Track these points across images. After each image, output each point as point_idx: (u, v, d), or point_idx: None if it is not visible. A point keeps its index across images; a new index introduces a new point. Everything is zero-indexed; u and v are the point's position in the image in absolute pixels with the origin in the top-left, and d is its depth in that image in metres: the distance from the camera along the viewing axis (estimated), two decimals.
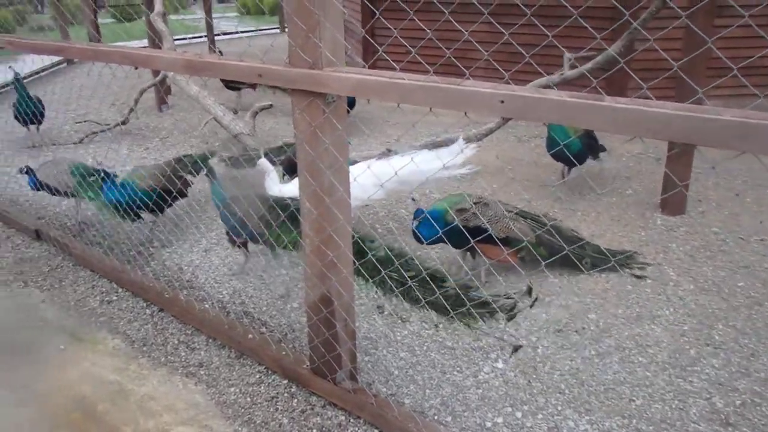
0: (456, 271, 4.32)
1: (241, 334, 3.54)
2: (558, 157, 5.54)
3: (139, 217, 4.70)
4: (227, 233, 4.28)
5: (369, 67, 2.49)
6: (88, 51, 3.65)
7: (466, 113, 2.20)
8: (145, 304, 4.08)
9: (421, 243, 3.97)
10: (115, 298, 4.19)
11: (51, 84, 11.36)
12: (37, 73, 12.26)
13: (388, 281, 3.70)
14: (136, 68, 4.19)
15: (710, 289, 4.08)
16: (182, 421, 3.06)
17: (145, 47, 9.00)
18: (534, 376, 3.28)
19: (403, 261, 3.79)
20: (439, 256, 4.50)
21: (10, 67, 7.80)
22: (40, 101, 7.69)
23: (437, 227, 3.74)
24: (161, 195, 4.65)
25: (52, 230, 4.98)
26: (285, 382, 3.29)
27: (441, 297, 3.72)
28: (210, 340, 3.67)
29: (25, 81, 7.87)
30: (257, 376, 3.35)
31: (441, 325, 3.73)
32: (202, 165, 4.95)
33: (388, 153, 5.82)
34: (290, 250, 3.99)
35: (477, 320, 3.74)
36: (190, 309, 3.80)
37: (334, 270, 2.80)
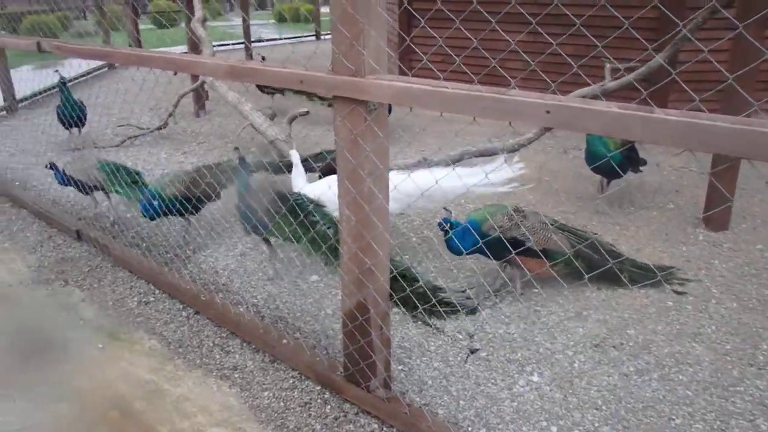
0: (491, 281, 4.28)
1: (276, 339, 3.55)
2: (597, 169, 5.46)
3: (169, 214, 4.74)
4: (241, 222, 4.41)
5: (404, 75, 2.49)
6: (133, 56, 3.71)
7: (510, 123, 2.18)
8: (181, 306, 4.12)
9: (460, 254, 3.95)
10: (152, 299, 4.24)
11: (94, 88, 11.60)
12: (81, 76, 12.54)
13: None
14: (175, 73, 4.27)
15: (755, 307, 3.98)
16: (216, 423, 3.08)
17: (185, 53, 9.16)
18: (570, 391, 3.23)
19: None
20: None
21: (56, 71, 7.98)
22: (82, 105, 7.86)
23: (477, 238, 3.71)
24: (184, 201, 4.68)
25: (93, 231, 5.07)
26: (318, 388, 3.29)
27: (411, 294, 3.78)
28: (245, 344, 3.69)
29: (68, 84, 8.04)
30: (291, 381, 3.36)
31: (476, 336, 3.70)
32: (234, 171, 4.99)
33: (424, 162, 5.81)
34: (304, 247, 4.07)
35: (441, 317, 3.89)
36: (225, 312, 3.82)
37: (371, 278, 2.80)
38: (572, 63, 2.29)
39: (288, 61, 2.88)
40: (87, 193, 5.42)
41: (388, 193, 2.74)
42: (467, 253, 3.92)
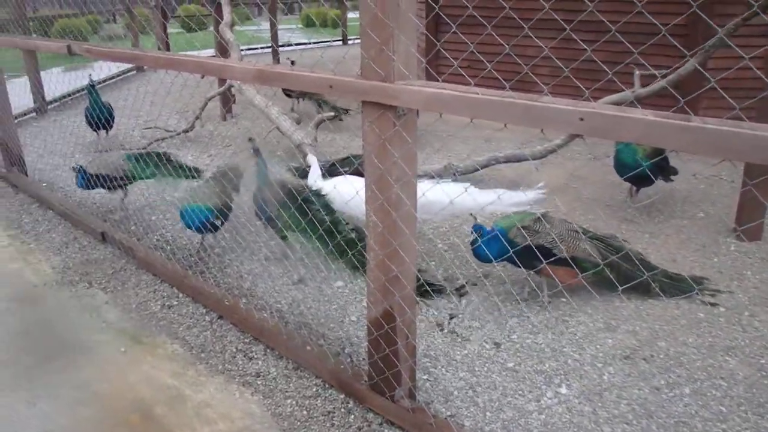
0: (519, 290, 4.22)
1: (300, 346, 3.52)
2: (626, 177, 5.36)
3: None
4: (256, 212, 4.59)
5: (431, 81, 2.45)
6: (162, 59, 3.71)
7: (542, 130, 2.12)
8: (204, 311, 4.10)
9: (487, 261, 3.89)
10: (175, 303, 4.23)
11: (122, 91, 11.72)
12: (110, 79, 12.68)
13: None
14: (203, 77, 4.32)
15: None
16: (237, 430, 3.05)
17: (212, 56, 9.20)
18: (600, 404, 3.15)
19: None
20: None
21: (89, 75, 8.07)
22: (110, 107, 7.92)
23: (505, 245, 3.65)
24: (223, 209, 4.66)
25: (117, 233, 5.09)
26: (342, 396, 3.25)
27: None
28: (268, 350, 3.66)
29: (97, 87, 8.11)
30: (314, 389, 3.32)
31: (502, 345, 3.64)
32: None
33: (450, 167, 5.77)
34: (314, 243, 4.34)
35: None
36: (249, 317, 3.80)
37: (398, 285, 2.75)
38: (607, 70, 2.23)
39: (317, 65, 2.86)
40: (114, 189, 5.53)
41: (416, 199, 2.70)
42: (496, 261, 3.86)
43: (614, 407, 3.13)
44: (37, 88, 9.99)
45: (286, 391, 3.31)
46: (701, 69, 2.59)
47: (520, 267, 3.93)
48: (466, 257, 4.50)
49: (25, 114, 9.85)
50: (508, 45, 2.28)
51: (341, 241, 4.18)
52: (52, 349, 3.75)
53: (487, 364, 3.48)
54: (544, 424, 3.02)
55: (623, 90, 5.79)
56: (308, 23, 26.43)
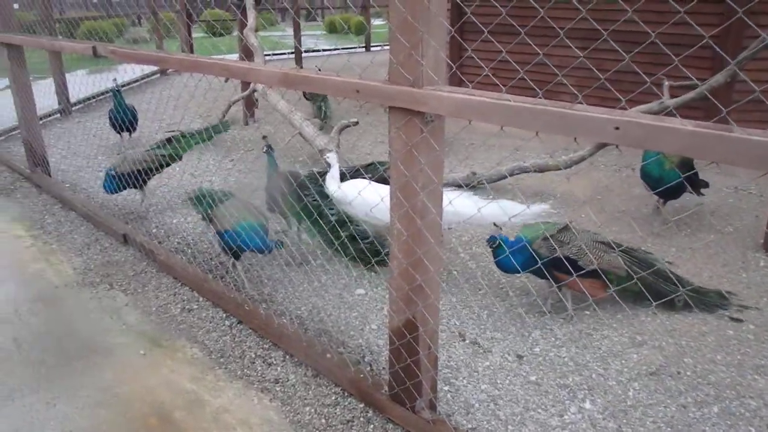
0: (542, 302, 4.14)
1: (319, 353, 3.48)
2: (653, 189, 5.27)
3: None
4: (266, 202, 4.84)
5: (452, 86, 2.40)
6: (188, 62, 3.70)
7: (575, 139, 2.07)
8: (224, 315, 4.08)
9: (511, 272, 3.83)
10: (195, 306, 4.21)
11: (146, 93, 11.80)
12: (134, 82, 12.78)
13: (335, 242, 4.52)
14: (227, 80, 4.32)
15: None
16: None
17: (236, 60, 9.22)
18: (624, 421, 3.07)
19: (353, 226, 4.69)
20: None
21: (114, 80, 8.12)
22: (134, 110, 7.97)
23: (529, 256, 3.59)
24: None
25: (139, 235, 5.09)
26: (361, 405, 3.20)
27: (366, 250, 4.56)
28: (287, 357, 3.63)
29: (121, 90, 8.17)
30: (333, 398, 3.27)
31: (525, 358, 3.57)
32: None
33: (473, 176, 5.71)
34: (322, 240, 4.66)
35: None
36: (268, 323, 3.77)
37: (421, 295, 2.70)
38: (646, 78, 2.17)
39: (343, 70, 2.82)
40: (146, 183, 5.75)
41: (442, 208, 2.65)
42: (520, 273, 3.80)
43: (640, 424, 3.05)
44: (61, 90, 10.09)
45: (305, 399, 3.27)
46: (745, 76, 2.52)
47: (545, 278, 3.86)
48: (489, 267, 4.44)
49: (49, 115, 9.96)
50: (542, 53, 2.23)
51: (345, 237, 4.50)
52: (72, 351, 3.75)
53: (509, 377, 3.42)
54: None
55: (649, 101, 5.72)
56: (331, 30, 26.54)
